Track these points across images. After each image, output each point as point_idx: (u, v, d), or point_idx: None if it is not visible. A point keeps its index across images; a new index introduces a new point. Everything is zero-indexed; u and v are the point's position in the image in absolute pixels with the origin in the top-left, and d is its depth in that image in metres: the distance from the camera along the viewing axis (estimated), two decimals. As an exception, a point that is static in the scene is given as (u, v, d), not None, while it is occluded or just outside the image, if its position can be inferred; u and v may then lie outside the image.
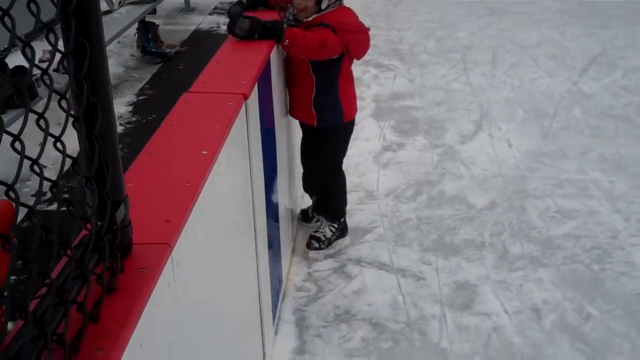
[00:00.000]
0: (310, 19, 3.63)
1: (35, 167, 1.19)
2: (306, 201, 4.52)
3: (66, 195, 1.44)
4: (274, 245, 3.40)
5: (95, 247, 1.45)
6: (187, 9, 10.05)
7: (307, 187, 4.31)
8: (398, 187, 4.99)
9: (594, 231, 4.43)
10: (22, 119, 1.16)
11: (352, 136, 4.14)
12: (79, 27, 1.33)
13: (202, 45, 8.36)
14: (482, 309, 3.71)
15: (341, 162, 4.19)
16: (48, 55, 4.98)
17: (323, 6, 3.62)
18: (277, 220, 3.54)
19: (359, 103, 4.23)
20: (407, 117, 6.23)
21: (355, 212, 4.59)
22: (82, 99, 1.38)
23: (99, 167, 1.46)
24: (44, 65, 1.25)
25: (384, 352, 3.45)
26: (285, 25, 3.51)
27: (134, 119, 6.34)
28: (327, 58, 3.64)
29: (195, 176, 2.08)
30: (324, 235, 4.26)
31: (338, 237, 4.30)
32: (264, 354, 3.19)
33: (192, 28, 9.18)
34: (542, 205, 4.71)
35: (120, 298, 1.47)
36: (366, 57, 7.61)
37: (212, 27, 9.11)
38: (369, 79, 7.14)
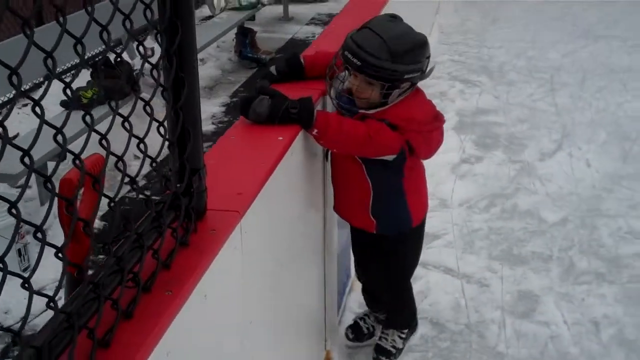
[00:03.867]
0: (370, 112, 2.68)
1: (141, 146, 1.42)
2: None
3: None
4: (343, 238, 3.55)
5: (173, 205, 1.65)
6: (286, 18, 10.33)
7: (372, 305, 3.60)
8: (472, 198, 5.08)
9: (666, 254, 4.42)
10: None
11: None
12: (173, 8, 1.53)
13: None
14: (542, 318, 3.78)
15: (412, 272, 3.39)
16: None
17: (390, 101, 2.68)
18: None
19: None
20: (488, 132, 6.30)
21: (427, 219, 4.68)
22: (171, 72, 1.58)
23: (181, 134, 1.65)
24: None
25: (441, 351, 3.56)
26: (316, 109, 2.63)
27: (225, 118, 6.66)
28: (377, 157, 2.76)
29: (270, 158, 2.27)
30: (394, 347, 3.49)
31: (408, 338, 3.59)
32: (325, 339, 3.36)
33: (289, 37, 9.44)
34: (614, 225, 4.71)
35: (192, 253, 1.66)
36: (454, 72, 7.86)
37: (307, 37, 9.33)
38: (454, 94, 7.22)
